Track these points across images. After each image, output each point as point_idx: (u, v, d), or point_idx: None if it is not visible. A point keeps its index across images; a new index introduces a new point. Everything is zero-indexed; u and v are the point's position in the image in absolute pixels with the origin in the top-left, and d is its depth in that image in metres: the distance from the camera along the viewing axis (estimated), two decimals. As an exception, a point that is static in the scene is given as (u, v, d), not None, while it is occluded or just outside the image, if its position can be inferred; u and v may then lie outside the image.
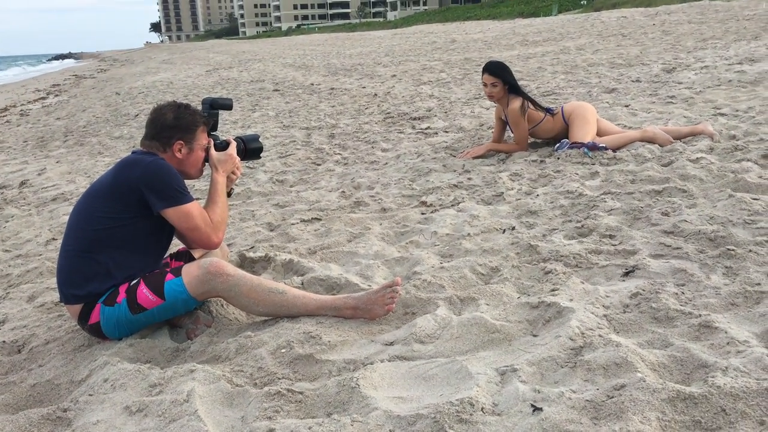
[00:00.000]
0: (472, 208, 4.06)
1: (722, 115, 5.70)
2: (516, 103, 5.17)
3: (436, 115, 7.69)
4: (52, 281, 3.94)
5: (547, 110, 5.28)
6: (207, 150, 3.16)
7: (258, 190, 5.33)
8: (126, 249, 2.88)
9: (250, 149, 3.38)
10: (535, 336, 2.51)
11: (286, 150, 6.81)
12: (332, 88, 11.92)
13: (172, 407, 2.25)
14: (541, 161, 4.93)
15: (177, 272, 2.83)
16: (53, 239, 4.95)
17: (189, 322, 2.97)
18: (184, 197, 2.90)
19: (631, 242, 3.17)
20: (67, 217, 5.51)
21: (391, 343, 2.56)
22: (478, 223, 3.78)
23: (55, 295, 3.70)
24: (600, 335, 2.33)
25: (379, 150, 6.26)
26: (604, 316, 2.51)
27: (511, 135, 5.61)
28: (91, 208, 2.88)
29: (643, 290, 2.65)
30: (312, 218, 4.34)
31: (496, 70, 5.20)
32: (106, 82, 24.07)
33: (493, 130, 6.22)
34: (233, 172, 3.24)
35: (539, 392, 2.04)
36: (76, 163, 8.24)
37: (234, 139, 3.29)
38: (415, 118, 7.68)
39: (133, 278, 2.88)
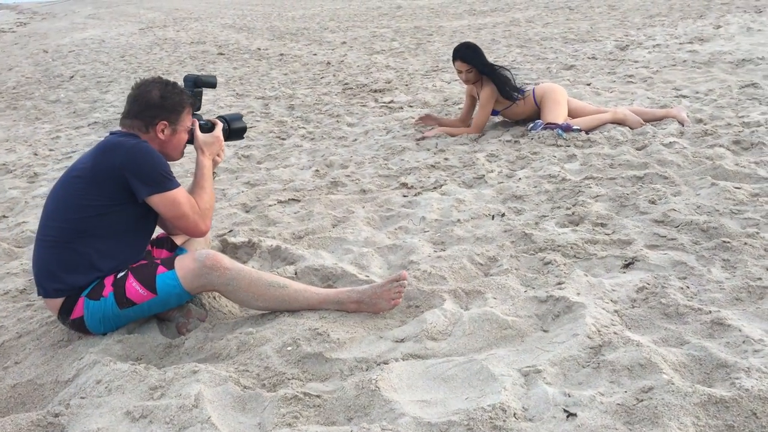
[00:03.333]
0: (455, 192, 4.01)
1: (684, 97, 5.81)
2: (490, 87, 5.11)
3: (397, 88, 7.57)
4: (12, 266, 3.69)
5: (519, 90, 5.25)
6: (191, 132, 2.98)
7: (224, 166, 5.12)
8: (110, 238, 2.69)
9: (233, 129, 3.20)
10: (545, 331, 2.50)
11: (246, 121, 6.55)
12: (281, 54, 11.58)
13: (180, 413, 2.13)
14: (515, 141, 4.91)
15: (169, 264, 2.67)
16: (4, 216, 4.63)
17: (179, 316, 2.82)
18: (170, 183, 2.72)
19: (625, 231, 3.18)
20: (14, 192, 5.17)
21: (402, 340, 2.49)
22: (465, 207, 3.73)
23: (19, 282, 3.46)
24: (615, 333, 2.33)
25: (345, 125, 6.11)
26: (615, 311, 2.51)
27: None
28: (71, 195, 2.67)
29: (648, 284, 2.66)
30: (289, 199, 4.19)
31: (467, 56, 5.11)
32: (29, 38, 22.68)
33: (461, 106, 6.18)
34: (218, 155, 3.07)
35: (570, 396, 2.02)
36: (12, 129, 7.74)
37: (217, 119, 3.12)
38: (375, 90, 7.54)
39: (119, 269, 2.71)
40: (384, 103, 6.85)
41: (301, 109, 7.00)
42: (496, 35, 11.27)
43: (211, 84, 3.13)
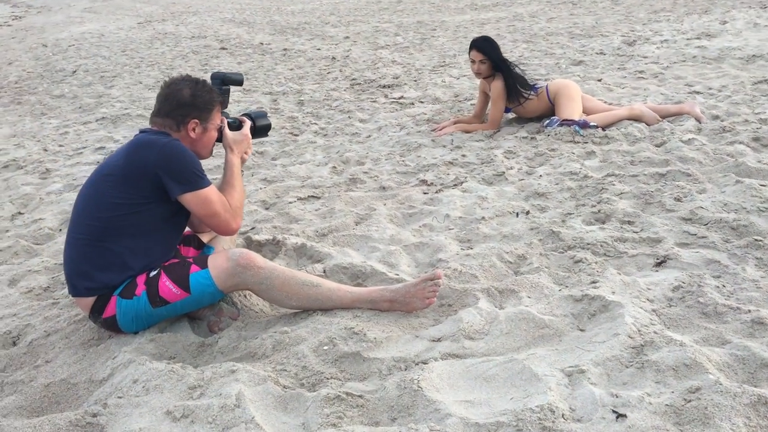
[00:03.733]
0: (476, 189, 4.00)
1: (697, 93, 5.79)
2: (500, 83, 5.10)
3: (405, 84, 7.54)
4: (33, 263, 3.66)
5: (532, 88, 5.23)
6: (220, 130, 2.96)
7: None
8: (142, 237, 2.68)
9: (259, 127, 3.18)
10: (582, 331, 2.49)
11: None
12: (285, 49, 11.52)
13: (222, 413, 2.11)
14: (532, 138, 4.89)
15: (202, 263, 2.65)
16: (19, 213, 4.59)
17: (211, 314, 2.81)
18: (202, 181, 2.70)
19: (653, 229, 3.17)
20: (27, 188, 5.13)
21: (439, 339, 2.48)
22: (489, 205, 3.72)
23: (42, 280, 3.44)
24: (656, 332, 2.32)
25: (357, 120, 6.08)
26: (653, 311, 2.51)
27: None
28: (102, 194, 2.65)
29: (684, 283, 2.65)
30: (309, 196, 4.17)
31: (485, 47, 5.11)
32: (26, 32, 22.52)
33: (474, 103, 6.16)
34: (245, 153, 3.06)
35: (617, 396, 2.01)
36: (19, 124, 7.68)
37: (244, 117, 3.10)
38: (384, 86, 7.51)
39: (151, 268, 2.69)
40: (394, 98, 6.82)
41: (311, 105, 6.97)
42: (501, 30, 11.23)
43: (239, 82, 3.11)
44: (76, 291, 2.68)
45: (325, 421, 2.08)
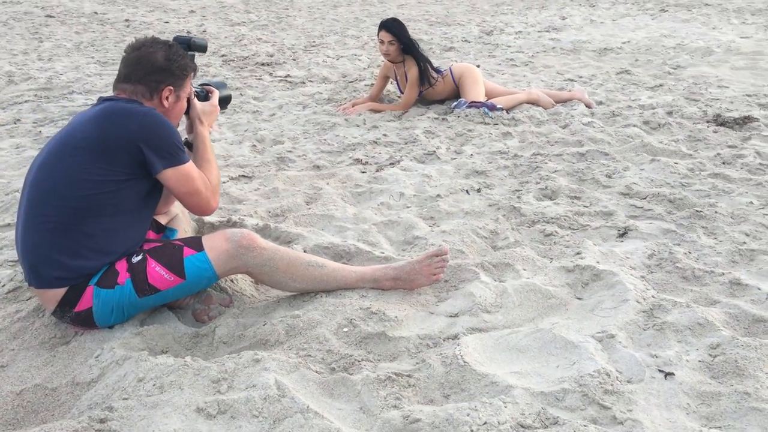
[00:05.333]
0: (415, 167, 4.01)
1: (572, 80, 6.26)
2: (416, 67, 5.15)
3: (285, 62, 7.32)
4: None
5: (438, 71, 5.35)
6: (188, 100, 2.70)
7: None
8: (119, 217, 2.37)
9: (222, 98, 2.95)
10: (580, 299, 2.61)
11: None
12: (127, 20, 10.65)
13: (267, 405, 1.95)
14: (443, 119, 5.00)
15: (196, 245, 2.41)
16: None
17: (195, 302, 2.57)
18: (184, 156, 2.46)
19: (602, 204, 3.40)
20: None
21: (456, 315, 2.47)
22: (436, 183, 3.75)
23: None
24: (653, 296, 2.51)
25: (251, 99, 5.81)
26: (642, 277, 2.69)
27: (393, 93, 5.64)
28: (73, 170, 2.30)
29: (655, 251, 2.88)
30: (240, 176, 3.93)
31: (394, 28, 5.12)
32: None
33: (367, 83, 6.15)
34: (210, 125, 2.82)
35: (657, 357, 2.14)
36: None
37: (201, 86, 2.86)
38: (263, 64, 7.23)
39: (130, 253, 2.40)
40: (281, 77, 6.60)
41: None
42: (356, 13, 11.30)
43: (203, 48, 2.84)
44: (40, 282, 2.31)
45: (385, 403, 1.99)
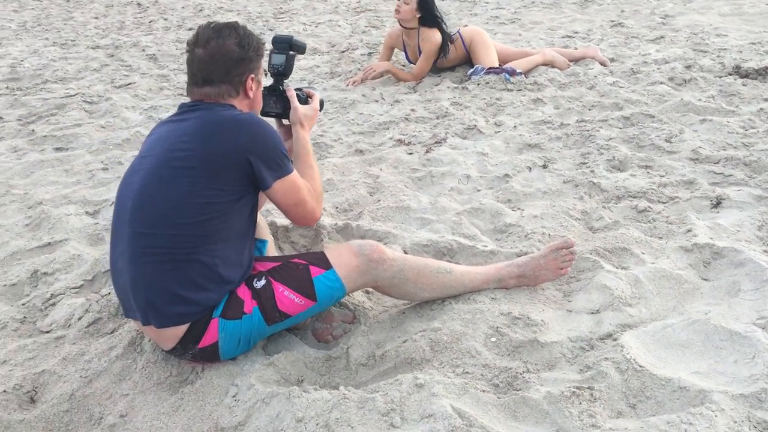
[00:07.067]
0: (464, 145, 3.81)
1: (569, 37, 6.13)
2: (435, 37, 4.88)
3: (263, 33, 6.90)
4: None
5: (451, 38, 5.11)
6: (286, 104, 2.47)
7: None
8: (232, 241, 2.11)
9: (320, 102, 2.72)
10: (706, 280, 2.51)
11: (112, 77, 5.51)
12: (65, -6, 9.86)
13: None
14: (463, 88, 4.79)
15: (323, 263, 2.17)
16: None
17: (316, 321, 2.33)
18: (290, 164, 2.21)
19: (679, 172, 3.29)
20: None
21: (597, 311, 2.33)
22: (496, 161, 3.57)
23: (16, 304, 2.57)
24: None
25: (247, 76, 5.43)
26: (765, 251, 2.61)
27: (402, 61, 5.38)
28: (182, 193, 2.01)
29: (761, 221, 2.79)
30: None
31: None
32: None
33: (361, 52, 5.86)
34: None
35: (834, 341, 2.06)
36: None
37: (295, 90, 2.59)
38: (240, 36, 6.79)
39: (248, 277, 2.15)
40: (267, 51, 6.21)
41: (169, 60, 6.07)
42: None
43: (303, 49, 2.56)
44: (161, 320, 2.02)
45: (582, 423, 1.84)
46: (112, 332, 2.42)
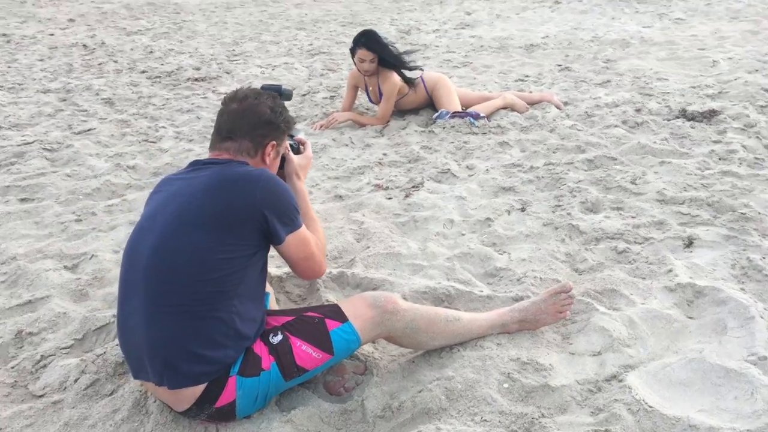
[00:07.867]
0: (441, 189, 3.90)
1: (521, 81, 6.38)
2: (394, 78, 5.03)
3: (219, 76, 6.89)
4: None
5: (412, 81, 5.25)
6: (283, 156, 2.51)
7: (123, 182, 4.18)
8: (246, 296, 2.12)
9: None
10: (691, 318, 2.65)
11: (69, 123, 5.39)
12: (4, 35, 9.58)
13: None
14: (430, 131, 4.91)
15: (338, 316, 2.19)
16: None
17: (327, 374, 2.33)
18: (300, 218, 2.24)
19: (648, 213, 3.46)
20: None
21: (599, 353, 2.42)
22: (475, 205, 3.67)
23: (4, 368, 2.46)
24: (766, 309, 2.59)
25: (209, 121, 5.41)
26: (741, 290, 2.77)
27: (366, 104, 5.47)
28: (200, 250, 2.01)
29: (733, 260, 2.96)
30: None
31: (375, 46, 4.97)
32: None
33: (324, 96, 5.94)
34: None
35: (822, 374, 2.21)
36: None
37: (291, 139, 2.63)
38: (196, 80, 6.76)
39: (264, 333, 2.15)
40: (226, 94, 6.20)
41: (125, 104, 5.98)
42: (254, 14, 10.86)
43: (290, 96, 2.61)
44: (179, 380, 1.99)
45: (606, 466, 1.91)
46: (111, 393, 2.35)
